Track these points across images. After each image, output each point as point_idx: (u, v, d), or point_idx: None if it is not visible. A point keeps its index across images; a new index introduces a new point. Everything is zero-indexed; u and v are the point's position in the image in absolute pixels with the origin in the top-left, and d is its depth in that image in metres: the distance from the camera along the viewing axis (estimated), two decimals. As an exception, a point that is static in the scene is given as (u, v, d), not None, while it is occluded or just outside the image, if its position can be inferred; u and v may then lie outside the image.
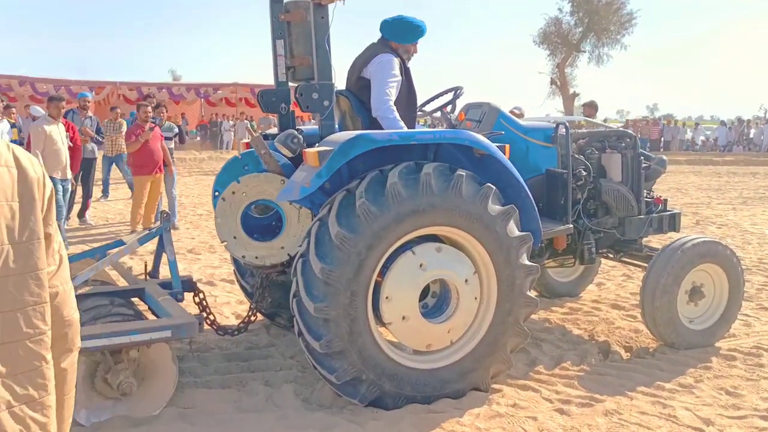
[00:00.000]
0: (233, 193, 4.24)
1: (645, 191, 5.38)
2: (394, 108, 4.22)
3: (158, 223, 4.62)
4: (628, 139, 5.37)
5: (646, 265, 5.05)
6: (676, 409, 3.90)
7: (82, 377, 3.48)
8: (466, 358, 3.97)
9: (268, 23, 4.39)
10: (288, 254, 4.25)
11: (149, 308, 4.33)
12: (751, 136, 32.07)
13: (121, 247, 4.51)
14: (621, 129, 5.96)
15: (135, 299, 4.44)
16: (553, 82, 35.80)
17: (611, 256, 5.48)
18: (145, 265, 4.89)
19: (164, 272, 4.84)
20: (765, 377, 4.40)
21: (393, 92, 4.25)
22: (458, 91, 4.96)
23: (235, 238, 4.26)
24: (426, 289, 3.93)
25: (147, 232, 4.62)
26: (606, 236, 5.18)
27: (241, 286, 5.19)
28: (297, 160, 4.11)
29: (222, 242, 4.30)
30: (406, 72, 4.42)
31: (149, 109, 9.93)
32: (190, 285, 4.60)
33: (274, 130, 4.96)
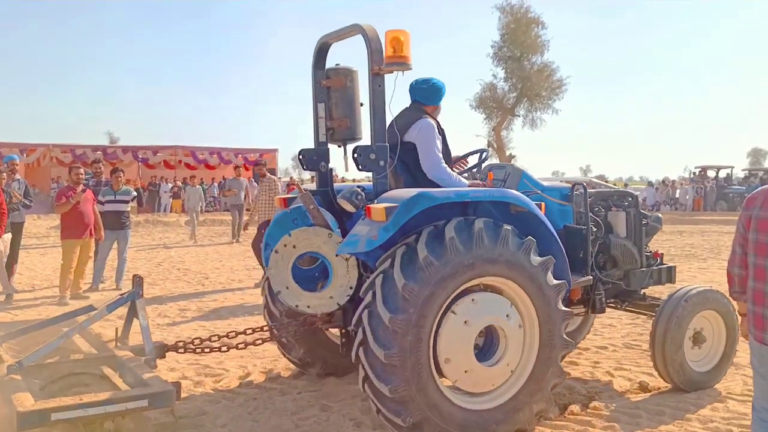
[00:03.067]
0: (285, 245, 4.47)
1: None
2: (448, 168, 4.73)
3: (116, 288, 4.50)
4: (630, 198, 5.92)
5: (650, 313, 5.53)
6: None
7: None
8: (515, 398, 4.29)
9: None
10: (337, 303, 4.49)
11: (121, 376, 4.18)
12: (677, 196, 33.64)
13: (92, 313, 4.44)
14: (623, 189, 6.49)
15: (106, 367, 4.29)
16: (490, 144, 36.92)
17: (616, 306, 5.86)
18: (116, 331, 4.73)
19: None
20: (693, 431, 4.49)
21: (440, 154, 4.69)
22: (484, 154, 5.43)
23: (287, 288, 4.46)
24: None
25: (118, 297, 4.58)
26: (613, 287, 5.60)
27: (270, 320, 5.35)
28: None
29: (276, 292, 4.48)
30: (441, 132, 4.84)
31: (81, 171, 9.79)
32: (162, 350, 4.53)
33: (311, 186, 5.24)
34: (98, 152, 30.70)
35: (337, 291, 4.49)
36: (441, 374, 4.11)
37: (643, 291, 5.88)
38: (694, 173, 34.74)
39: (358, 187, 4.54)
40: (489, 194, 4.42)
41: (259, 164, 12.33)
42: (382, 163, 4.37)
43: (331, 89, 4.76)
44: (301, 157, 4.99)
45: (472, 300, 4.13)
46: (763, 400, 3.15)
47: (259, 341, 4.84)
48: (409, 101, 4.96)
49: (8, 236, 9.34)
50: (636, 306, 5.84)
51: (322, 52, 4.94)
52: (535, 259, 4.24)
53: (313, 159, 4.97)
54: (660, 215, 6.37)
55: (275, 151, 35.46)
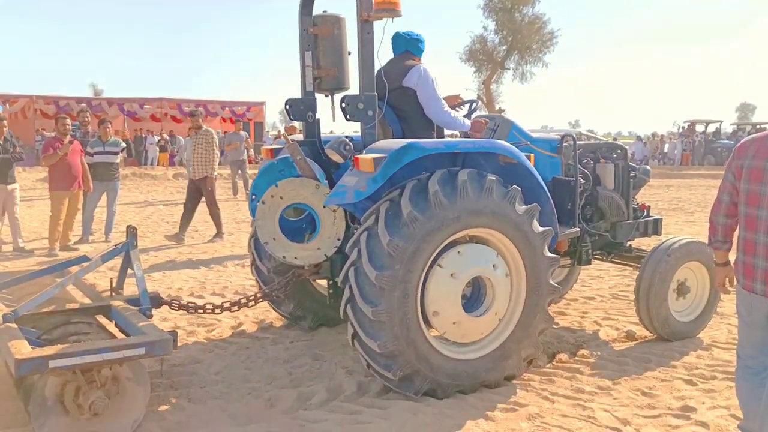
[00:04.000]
0: (272, 196, 4.47)
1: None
2: (451, 110, 4.82)
3: (101, 238, 4.53)
4: (619, 151, 5.91)
5: (635, 265, 5.60)
6: (595, 411, 4.05)
7: (52, 397, 3.40)
8: (503, 346, 4.36)
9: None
10: (324, 255, 4.52)
11: (117, 325, 4.25)
12: (665, 150, 33.73)
13: (86, 264, 4.44)
14: (612, 141, 6.52)
15: (100, 317, 4.36)
16: (479, 97, 36.66)
17: (603, 257, 5.94)
18: (111, 282, 4.75)
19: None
20: (678, 377, 4.61)
21: (442, 98, 4.76)
22: (474, 104, 5.41)
23: (274, 239, 4.48)
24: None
25: (112, 248, 4.57)
26: (600, 239, 5.65)
27: (258, 277, 5.42)
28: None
29: (263, 243, 4.49)
30: None
31: (68, 121, 9.61)
32: (157, 301, 4.53)
33: (299, 137, 5.19)
34: (83, 104, 30.33)
35: (324, 242, 4.50)
36: (429, 326, 4.16)
37: (629, 243, 5.94)
38: (683, 128, 34.75)
39: (346, 137, 4.49)
40: (479, 145, 4.38)
41: (194, 115, 10.77)
42: (370, 113, 4.32)
43: (318, 37, 4.68)
44: (288, 107, 4.93)
45: (458, 252, 4.15)
46: (747, 348, 3.22)
47: (252, 302, 4.85)
48: (392, 54, 4.91)
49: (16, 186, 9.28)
50: (622, 258, 5.92)
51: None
52: (520, 208, 4.24)
53: (300, 109, 4.93)
54: (648, 168, 6.41)
55: (263, 104, 35.06)
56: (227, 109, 33.78)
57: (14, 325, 3.73)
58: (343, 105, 4.34)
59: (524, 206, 4.27)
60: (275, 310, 5.64)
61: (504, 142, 4.48)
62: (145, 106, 32.35)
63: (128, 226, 4.60)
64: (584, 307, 6.46)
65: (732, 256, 3.34)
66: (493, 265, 4.25)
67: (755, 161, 3.02)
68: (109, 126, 10.63)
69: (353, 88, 4.63)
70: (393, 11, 4.19)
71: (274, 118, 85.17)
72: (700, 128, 34.07)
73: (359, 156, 4.08)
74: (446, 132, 5.18)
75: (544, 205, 4.49)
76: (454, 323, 4.16)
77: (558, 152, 5.33)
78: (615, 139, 40.26)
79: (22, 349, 3.32)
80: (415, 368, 4.02)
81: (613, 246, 5.82)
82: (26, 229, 11.38)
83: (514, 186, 4.25)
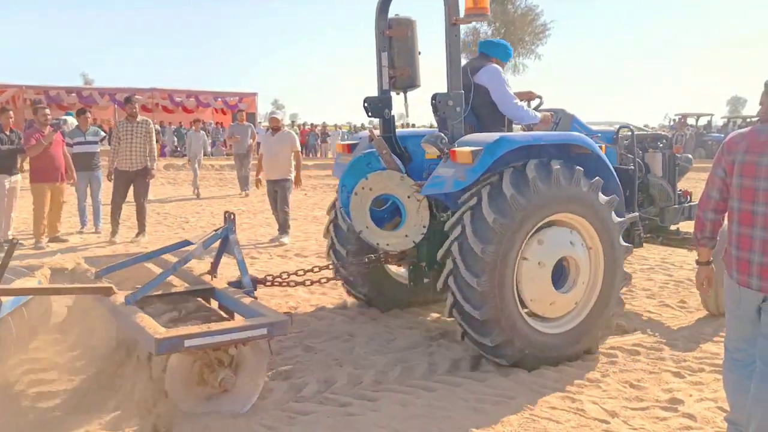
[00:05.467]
0: (363, 188, 4.86)
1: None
2: (522, 105, 5.21)
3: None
4: (664, 141, 6.37)
5: (684, 247, 6.25)
6: (584, 403, 4.09)
7: (186, 374, 3.64)
8: (583, 322, 4.75)
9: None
10: (413, 241, 4.91)
11: (221, 307, 4.47)
12: (657, 143, 33.74)
13: (191, 248, 4.58)
14: (657, 132, 7.04)
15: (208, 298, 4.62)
16: (471, 89, 36.65)
17: (652, 240, 6.34)
18: (210, 265, 4.85)
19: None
20: (666, 370, 4.65)
21: (512, 93, 5.15)
22: (540, 100, 5.75)
23: (367, 227, 4.87)
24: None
25: (212, 233, 4.70)
26: (650, 223, 6.06)
27: (336, 258, 5.77)
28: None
29: (358, 231, 4.88)
30: None
31: (47, 111, 9.39)
32: (256, 284, 4.71)
33: (377, 132, 5.56)
34: (72, 94, 30.14)
35: (411, 230, 4.89)
36: (523, 305, 4.55)
37: (676, 226, 6.36)
38: (674, 120, 34.87)
39: (443, 132, 4.73)
40: (562, 138, 4.85)
41: (130, 102, 9.79)
42: (458, 109, 4.66)
43: (393, 39, 5.11)
44: (366, 104, 5.28)
45: (539, 242, 4.51)
46: (735, 341, 3.24)
47: (325, 279, 5.14)
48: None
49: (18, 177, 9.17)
50: (671, 241, 6.35)
51: (386, 2, 5.21)
52: (602, 198, 4.65)
53: (378, 106, 5.28)
54: (690, 156, 6.80)
55: (255, 94, 34.93)
56: (219, 99, 33.65)
57: (136, 307, 3.93)
58: (434, 102, 4.78)
59: (606, 196, 4.68)
60: (350, 292, 6.01)
61: (582, 135, 4.85)
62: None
63: (226, 212, 4.76)
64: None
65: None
66: (574, 244, 4.63)
67: (747, 156, 3.01)
68: (89, 115, 10.50)
69: (423, 86, 5.20)
70: (482, 16, 4.53)
71: (266, 108, 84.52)
72: (691, 121, 34.19)
73: (456, 149, 4.43)
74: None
75: (617, 194, 4.84)
76: (551, 304, 4.60)
77: (613, 143, 5.72)
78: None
79: (158, 329, 3.51)
80: (509, 338, 4.39)
81: (660, 230, 6.25)
82: (16, 221, 11.31)
83: (597, 177, 4.64)
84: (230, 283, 4.58)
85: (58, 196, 9.42)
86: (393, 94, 5.28)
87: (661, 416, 3.96)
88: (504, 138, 4.41)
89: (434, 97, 4.77)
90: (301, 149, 11.78)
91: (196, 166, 16.13)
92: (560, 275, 4.69)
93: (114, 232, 9.55)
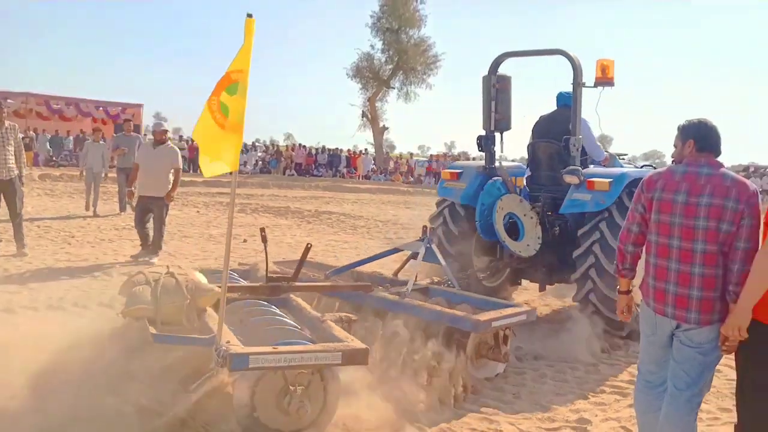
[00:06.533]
0: (501, 208, 6.29)
1: None
2: (600, 145, 7.01)
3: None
4: None
5: None
6: (501, 424, 4.25)
7: None
8: None
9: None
10: (534, 249, 6.40)
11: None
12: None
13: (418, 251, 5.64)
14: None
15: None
16: (364, 114, 37.15)
17: None
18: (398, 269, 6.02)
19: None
20: (570, 392, 4.90)
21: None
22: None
23: (504, 240, 6.27)
24: None
25: (417, 240, 5.80)
26: None
27: None
28: None
29: (502, 240, 6.31)
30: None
31: None
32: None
33: (508, 164, 7.35)
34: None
35: (531, 241, 6.38)
36: None
37: None
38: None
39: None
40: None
41: None
42: (577, 149, 6.38)
43: (499, 91, 6.73)
44: (479, 140, 6.93)
45: None
46: (648, 364, 3.49)
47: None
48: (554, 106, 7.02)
49: None
50: None
51: (498, 62, 6.80)
52: None
53: (488, 143, 6.88)
54: None
55: (140, 106, 33.58)
56: (101, 108, 32.09)
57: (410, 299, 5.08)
58: (563, 144, 6.43)
59: None
60: None
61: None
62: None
63: (424, 227, 5.85)
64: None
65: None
66: None
67: (664, 194, 3.28)
68: None
69: (513, 129, 6.92)
70: (609, 84, 6.31)
71: (149, 120, 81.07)
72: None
73: (593, 179, 6.10)
74: None
75: None
76: None
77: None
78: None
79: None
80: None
81: None
82: None
83: None
84: (434, 283, 5.88)
85: None
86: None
87: (573, 436, 4.18)
88: (624, 173, 6.13)
89: (564, 140, 6.36)
90: (189, 166, 11.10)
91: (93, 180, 14.06)
92: None
93: None
